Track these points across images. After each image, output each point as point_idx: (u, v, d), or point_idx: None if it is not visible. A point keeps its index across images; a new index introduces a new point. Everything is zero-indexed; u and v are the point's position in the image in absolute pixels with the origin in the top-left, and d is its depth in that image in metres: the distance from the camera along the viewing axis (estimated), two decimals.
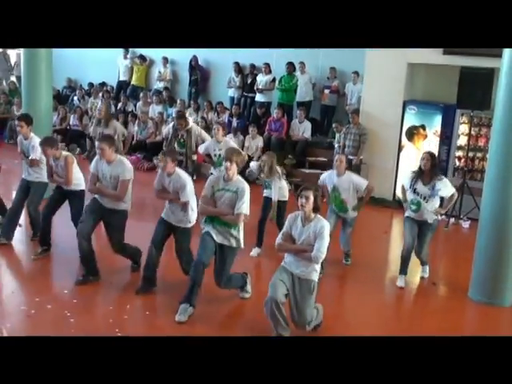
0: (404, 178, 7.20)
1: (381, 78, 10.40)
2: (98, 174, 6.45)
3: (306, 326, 5.31)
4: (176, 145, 8.96)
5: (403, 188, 7.01)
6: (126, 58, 15.04)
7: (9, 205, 7.89)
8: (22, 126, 7.46)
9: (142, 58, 14.85)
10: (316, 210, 5.18)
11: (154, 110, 13.70)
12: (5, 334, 2.82)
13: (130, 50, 15.00)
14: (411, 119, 10.37)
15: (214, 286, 6.02)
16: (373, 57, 10.39)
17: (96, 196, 6.55)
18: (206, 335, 5.08)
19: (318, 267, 5.24)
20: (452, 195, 6.80)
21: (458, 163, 10.02)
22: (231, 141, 8.99)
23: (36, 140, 7.43)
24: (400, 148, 10.53)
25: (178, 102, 13.74)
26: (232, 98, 13.65)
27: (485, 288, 6.46)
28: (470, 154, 9.84)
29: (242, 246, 5.91)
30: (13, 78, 16.14)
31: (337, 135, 11.19)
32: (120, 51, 14.92)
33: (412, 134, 10.41)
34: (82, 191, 7.17)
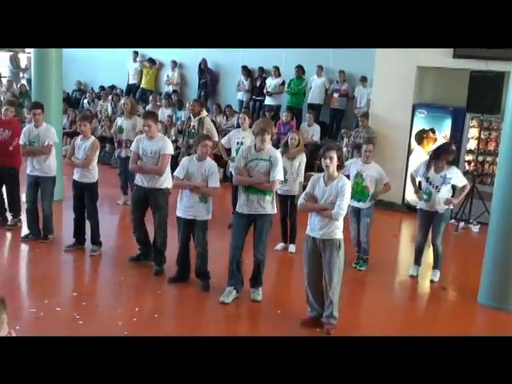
0: (414, 167, 7.46)
1: (390, 81, 10.38)
2: (139, 151, 6.63)
3: (326, 305, 5.51)
4: (187, 134, 9.16)
5: (412, 176, 7.29)
6: (135, 61, 15.11)
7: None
8: (39, 114, 7.48)
9: (152, 61, 14.90)
10: (340, 168, 5.54)
11: (164, 113, 13.73)
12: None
13: (140, 53, 15.07)
14: (420, 123, 10.35)
15: (222, 287, 6.05)
16: (382, 60, 10.37)
17: (135, 181, 6.77)
18: (211, 335, 5.07)
19: (340, 226, 5.38)
20: (464, 186, 6.96)
21: (467, 167, 9.97)
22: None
23: (51, 127, 7.59)
24: (409, 151, 10.50)
25: (187, 105, 13.76)
26: (241, 102, 13.67)
27: (494, 293, 6.42)
28: (480, 158, 9.80)
29: (275, 210, 6.13)
30: (23, 81, 16.24)
31: (345, 139, 11.21)
32: (130, 54, 14.98)
33: (421, 137, 10.38)
34: (96, 183, 7.24)
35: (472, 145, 9.90)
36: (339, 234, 5.39)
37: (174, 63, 14.59)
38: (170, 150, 6.64)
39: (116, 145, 9.70)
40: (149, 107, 13.98)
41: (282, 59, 13.04)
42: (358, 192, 7.15)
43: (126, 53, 14.94)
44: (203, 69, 14.12)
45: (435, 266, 7.17)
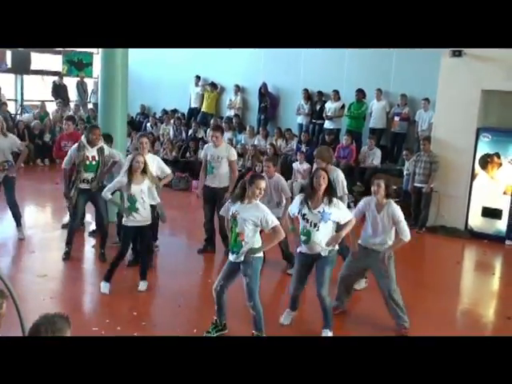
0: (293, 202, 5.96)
1: (454, 104, 10.20)
2: (207, 157, 7.97)
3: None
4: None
5: (289, 215, 5.95)
6: (197, 85, 15.42)
7: None
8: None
9: (213, 85, 15.16)
10: (388, 196, 5.98)
11: (224, 136, 13.88)
12: None
13: (202, 77, 15.37)
14: (485, 147, 10.09)
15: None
16: (446, 83, 10.23)
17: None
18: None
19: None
20: (349, 221, 5.70)
21: None
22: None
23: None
24: (473, 176, 10.24)
25: (248, 128, 13.91)
26: (301, 125, 13.72)
27: None
28: None
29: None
30: (90, 105, 16.81)
31: (406, 163, 11.05)
32: (192, 79, 15.31)
33: (486, 162, 10.12)
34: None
35: None
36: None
37: (237, 88, 14.79)
38: (234, 156, 8.05)
39: None
40: (210, 130, 14.17)
41: (342, 83, 13.04)
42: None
43: (189, 77, 15.29)
44: (263, 93, 14.26)
45: (325, 325, 5.78)
